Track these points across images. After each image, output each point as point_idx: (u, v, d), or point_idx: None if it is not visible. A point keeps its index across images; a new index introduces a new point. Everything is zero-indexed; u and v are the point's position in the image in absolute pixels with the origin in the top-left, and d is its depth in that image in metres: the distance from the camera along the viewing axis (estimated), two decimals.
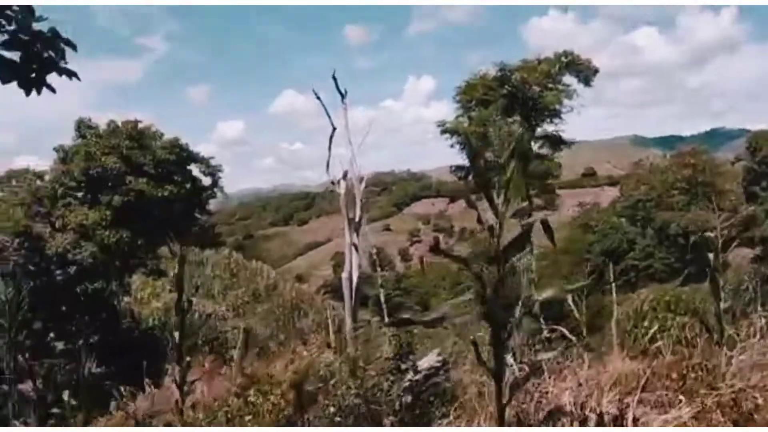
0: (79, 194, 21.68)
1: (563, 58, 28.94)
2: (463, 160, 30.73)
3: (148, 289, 28.04)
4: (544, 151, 30.39)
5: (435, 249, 4.40)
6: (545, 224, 4.24)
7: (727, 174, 68.99)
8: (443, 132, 29.83)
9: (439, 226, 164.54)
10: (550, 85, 29.18)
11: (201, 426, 8.14)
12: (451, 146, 30.14)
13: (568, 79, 29.42)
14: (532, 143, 29.38)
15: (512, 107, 28.29)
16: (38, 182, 22.94)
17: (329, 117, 14.76)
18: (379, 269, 28.74)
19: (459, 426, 6.38)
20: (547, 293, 4.00)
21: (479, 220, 3.75)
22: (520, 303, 4.06)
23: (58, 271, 18.77)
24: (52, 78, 4.58)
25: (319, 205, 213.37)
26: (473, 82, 29.51)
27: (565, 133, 30.34)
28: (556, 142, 29.90)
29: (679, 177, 71.22)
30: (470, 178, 30.74)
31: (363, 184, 14.93)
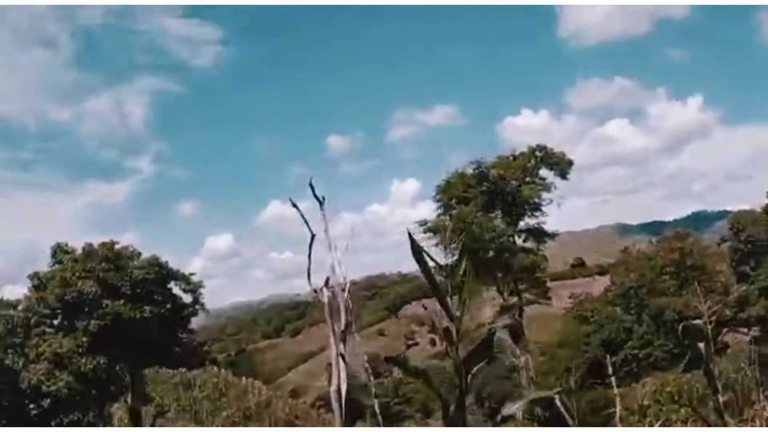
0: (54, 321, 20.95)
1: (537, 153, 29.46)
2: (445, 259, 30.49)
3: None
4: (529, 244, 30.28)
5: (390, 360, 4.00)
6: (514, 329, 3.85)
7: (715, 255, 69.10)
8: (425, 231, 29.77)
9: (435, 327, 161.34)
10: (527, 179, 29.53)
11: None
12: (436, 245, 29.97)
13: (545, 172, 29.88)
14: (516, 237, 29.37)
15: (492, 203, 28.41)
16: (11, 312, 22.16)
17: (307, 224, 14.56)
18: (372, 378, 27.55)
19: None
20: (511, 408, 3.53)
21: (433, 328, 3.38)
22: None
23: (31, 405, 17.83)
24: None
25: (311, 314, 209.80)
26: (452, 181, 29.80)
27: (548, 225, 30.44)
28: (539, 234, 29.83)
29: (667, 262, 71.14)
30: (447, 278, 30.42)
31: (347, 291, 14.51)
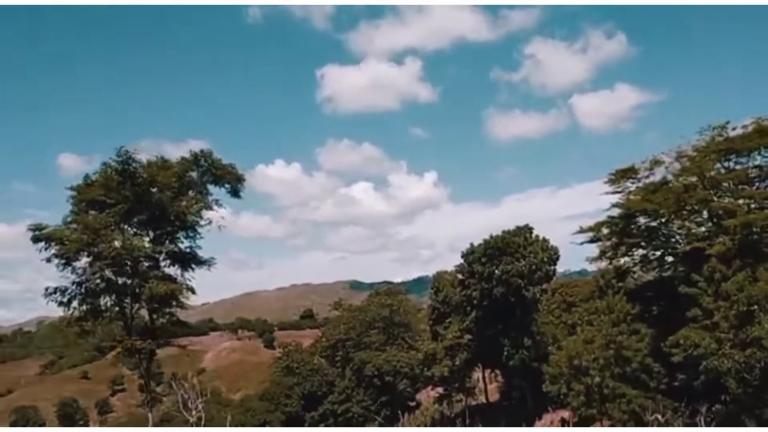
0: None
1: (203, 162, 24.62)
2: (65, 279, 23.54)
3: None
4: (174, 271, 24.75)
5: None
6: None
7: (421, 314, 70.78)
8: (36, 240, 22.71)
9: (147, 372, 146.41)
10: (191, 192, 24.56)
11: None
12: (48, 260, 23.02)
13: (214, 189, 25.23)
14: (160, 260, 23.89)
15: (135, 213, 22.80)
16: None
17: None
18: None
19: None
20: None
21: None
22: None
23: None
24: None
25: (5, 350, 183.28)
26: (92, 180, 23.54)
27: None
28: (188, 260, 24.47)
29: (377, 317, 71.43)
30: (74, 303, 23.86)
31: None
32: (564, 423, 36.83)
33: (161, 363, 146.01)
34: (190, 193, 24.76)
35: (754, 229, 26.10)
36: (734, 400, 22.43)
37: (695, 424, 16.31)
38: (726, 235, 27.07)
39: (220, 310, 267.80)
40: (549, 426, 38.37)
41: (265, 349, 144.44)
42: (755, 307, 20.78)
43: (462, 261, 45.48)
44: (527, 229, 43.51)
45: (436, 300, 53.10)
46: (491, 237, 43.52)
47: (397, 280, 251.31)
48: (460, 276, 46.50)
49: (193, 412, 43.30)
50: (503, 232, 43.61)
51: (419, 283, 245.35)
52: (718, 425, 24.95)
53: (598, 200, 31.89)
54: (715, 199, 28.72)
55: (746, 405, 21.46)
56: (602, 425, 32.13)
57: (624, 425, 27.33)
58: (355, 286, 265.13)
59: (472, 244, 44.36)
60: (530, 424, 40.04)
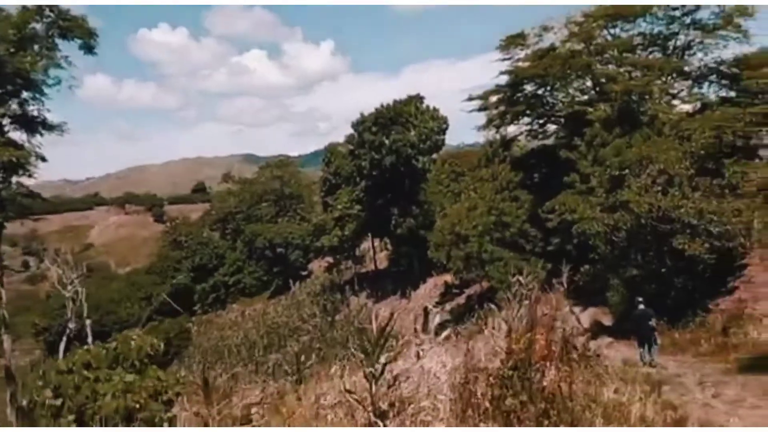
0: None
1: (49, 12, 21.40)
2: None
3: None
4: (19, 136, 22.02)
5: None
6: None
7: (315, 186, 70.30)
8: None
9: (31, 249, 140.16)
10: (36, 47, 21.49)
11: None
12: None
13: (66, 46, 22.19)
14: (3, 124, 21.14)
15: None
16: None
17: None
18: None
19: None
20: None
21: None
22: None
23: None
24: None
25: None
26: None
27: (52, 114, 22.34)
28: (34, 124, 21.76)
29: (267, 189, 70.28)
30: None
31: None
32: (447, 286, 38.39)
33: (44, 239, 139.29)
34: (35, 48, 21.64)
35: (633, 97, 26.56)
36: (601, 260, 23.60)
37: (552, 285, 17.15)
38: (607, 102, 27.47)
39: (105, 185, 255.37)
40: (433, 288, 39.88)
41: (155, 224, 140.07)
42: (627, 171, 21.36)
43: (353, 131, 44.48)
44: (418, 98, 42.72)
45: (328, 171, 52.42)
46: (382, 106, 42.51)
47: (295, 153, 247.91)
48: (350, 146, 45.65)
49: (68, 287, 41.37)
50: (394, 101, 42.66)
51: (317, 156, 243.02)
52: (584, 284, 26.53)
53: (497, 72, 31.36)
54: (599, 66, 28.83)
55: (612, 264, 22.62)
56: (481, 287, 33.64)
57: (501, 284, 28.53)
58: (251, 159, 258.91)
59: (362, 114, 43.26)
60: (416, 288, 41.47)
